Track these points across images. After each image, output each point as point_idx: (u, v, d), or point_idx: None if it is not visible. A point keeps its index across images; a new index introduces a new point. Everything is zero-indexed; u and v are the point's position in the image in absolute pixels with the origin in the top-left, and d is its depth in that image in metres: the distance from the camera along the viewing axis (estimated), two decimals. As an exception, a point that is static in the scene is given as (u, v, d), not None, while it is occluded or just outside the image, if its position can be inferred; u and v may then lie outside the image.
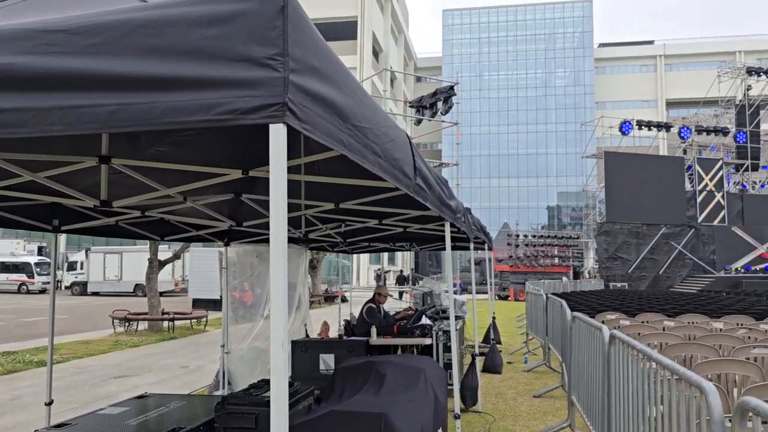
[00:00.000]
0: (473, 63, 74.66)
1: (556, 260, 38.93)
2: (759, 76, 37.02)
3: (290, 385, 4.73)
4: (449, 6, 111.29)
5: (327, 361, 7.45)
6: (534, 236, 40.84)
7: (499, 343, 13.38)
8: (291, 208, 5.89)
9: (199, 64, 1.41)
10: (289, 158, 3.53)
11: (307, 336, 8.78)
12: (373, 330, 7.88)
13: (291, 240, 8.61)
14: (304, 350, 7.48)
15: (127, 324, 16.87)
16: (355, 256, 45.28)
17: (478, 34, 75.43)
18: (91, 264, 36.12)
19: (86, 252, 36.57)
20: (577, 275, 39.83)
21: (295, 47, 1.42)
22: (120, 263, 35.57)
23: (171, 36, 1.41)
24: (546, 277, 33.78)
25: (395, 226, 7.39)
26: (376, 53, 58.74)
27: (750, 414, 2.36)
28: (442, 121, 22.44)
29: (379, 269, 46.70)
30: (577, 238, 42.00)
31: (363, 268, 51.55)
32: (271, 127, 1.41)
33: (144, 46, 1.42)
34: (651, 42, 75.15)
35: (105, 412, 4.19)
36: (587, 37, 73.09)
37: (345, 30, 53.40)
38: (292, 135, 1.68)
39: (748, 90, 37.18)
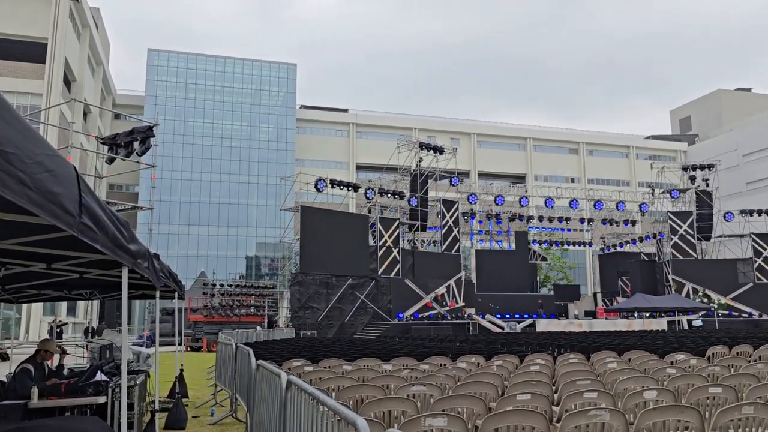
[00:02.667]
0: (178, 107, 72.68)
1: (252, 310, 39.25)
2: (428, 151, 43.68)
3: None
4: (156, 46, 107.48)
5: (-32, 433, 6.21)
6: (231, 285, 40.69)
7: (186, 396, 12.79)
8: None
9: None
10: None
11: (-56, 403, 7.24)
12: (34, 390, 6.86)
13: (-72, 286, 7.11)
14: (-66, 421, 6.12)
15: None
16: (24, 305, 39.05)
17: (185, 79, 74.02)
18: None
19: None
20: (271, 324, 40.63)
21: None
22: None
23: None
24: (241, 327, 33.75)
25: (70, 271, 6.64)
26: (68, 82, 53.23)
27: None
28: (138, 162, 21.22)
29: (53, 321, 41.01)
30: (273, 287, 43.14)
31: (35, 320, 44.74)
32: None
33: None
34: (346, 110, 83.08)
35: None
36: (290, 97, 77.41)
37: (32, 51, 47.36)
38: None
39: (419, 162, 43.49)
